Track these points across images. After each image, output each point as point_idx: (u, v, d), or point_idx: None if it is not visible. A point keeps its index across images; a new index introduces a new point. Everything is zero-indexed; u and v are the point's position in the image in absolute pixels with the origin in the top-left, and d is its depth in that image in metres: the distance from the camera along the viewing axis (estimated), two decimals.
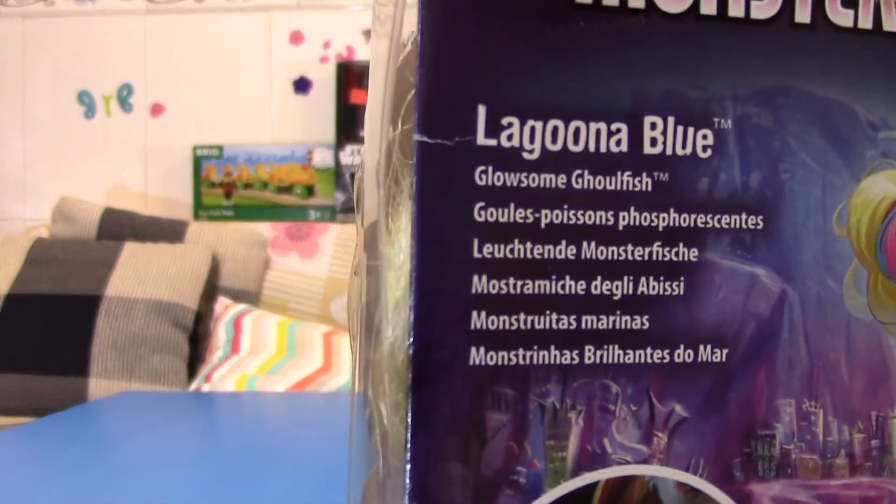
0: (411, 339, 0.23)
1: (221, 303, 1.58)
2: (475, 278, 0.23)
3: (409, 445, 0.23)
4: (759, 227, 0.25)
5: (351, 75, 1.96)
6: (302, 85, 2.01)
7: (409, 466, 0.23)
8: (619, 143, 0.24)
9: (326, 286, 1.66)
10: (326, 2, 2.00)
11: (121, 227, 1.72)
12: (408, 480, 0.23)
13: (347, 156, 1.96)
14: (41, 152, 2.05)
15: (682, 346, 0.24)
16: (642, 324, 0.24)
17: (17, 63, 2.05)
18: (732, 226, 0.25)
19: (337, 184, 1.98)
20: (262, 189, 1.99)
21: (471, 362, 0.23)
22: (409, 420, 0.23)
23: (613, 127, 0.24)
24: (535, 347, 0.23)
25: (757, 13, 0.25)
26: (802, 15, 0.25)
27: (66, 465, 0.58)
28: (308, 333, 1.48)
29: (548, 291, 0.23)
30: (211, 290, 1.62)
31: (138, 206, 1.96)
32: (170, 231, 1.72)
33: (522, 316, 0.23)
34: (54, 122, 2.04)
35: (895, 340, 0.26)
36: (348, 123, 1.95)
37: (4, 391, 1.47)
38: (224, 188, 2.00)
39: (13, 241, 1.69)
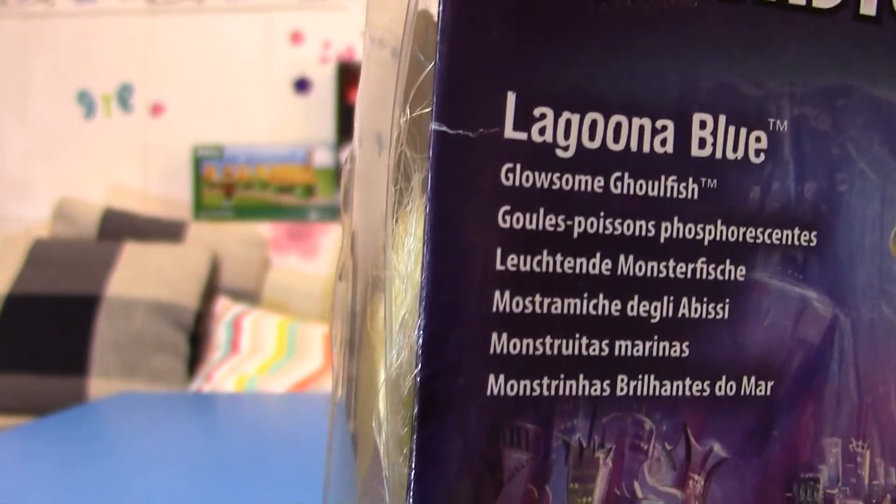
0: (420, 365, 0.17)
1: (221, 303, 1.50)
2: (497, 294, 0.18)
3: (412, 488, 0.17)
4: (813, 244, 0.20)
5: (351, 75, 1.88)
6: (302, 85, 1.94)
7: None
8: (664, 142, 0.19)
9: (327, 286, 1.58)
10: (326, 2, 1.93)
11: (121, 227, 1.63)
12: None
13: None
14: (41, 152, 1.94)
15: (723, 378, 0.19)
16: (682, 351, 0.19)
17: (17, 63, 1.95)
18: (784, 242, 0.20)
19: (337, 184, 1.90)
20: (262, 189, 1.91)
21: (488, 392, 0.18)
22: (414, 458, 0.17)
23: (659, 124, 0.19)
24: (562, 376, 0.18)
25: (819, 2, 0.20)
26: (868, 6, 0.20)
27: (66, 465, 0.54)
28: (308, 333, 1.40)
29: (578, 311, 0.18)
30: (211, 291, 1.53)
31: (138, 206, 1.86)
32: (170, 231, 1.63)
33: (549, 339, 0.18)
34: (54, 122, 1.94)
35: None
36: (348, 123, 1.87)
37: (4, 391, 1.38)
38: (224, 188, 1.91)
39: (13, 241, 1.60)
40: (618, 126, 0.18)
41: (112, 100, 1.94)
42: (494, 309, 0.18)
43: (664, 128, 0.19)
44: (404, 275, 0.18)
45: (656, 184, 0.19)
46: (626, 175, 0.18)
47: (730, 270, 0.19)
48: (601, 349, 0.18)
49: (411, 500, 0.17)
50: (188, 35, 1.93)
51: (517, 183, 0.18)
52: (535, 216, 0.18)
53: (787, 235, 0.20)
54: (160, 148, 1.94)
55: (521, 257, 0.18)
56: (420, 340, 0.17)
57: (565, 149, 0.18)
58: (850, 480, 0.21)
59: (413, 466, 0.17)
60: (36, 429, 0.71)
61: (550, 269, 0.18)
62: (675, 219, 0.19)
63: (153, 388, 1.37)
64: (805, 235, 0.20)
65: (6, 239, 1.64)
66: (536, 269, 0.18)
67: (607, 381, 0.18)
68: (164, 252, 1.54)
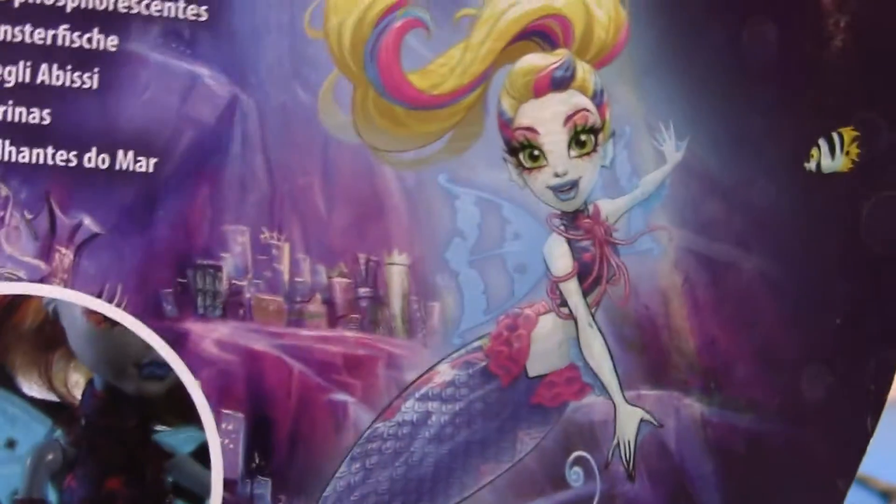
0: None
1: None
2: None
3: None
4: (202, 18, 0.19)
5: None
6: None
7: None
8: None
9: None
10: None
11: None
12: None
13: None
14: None
15: (94, 150, 0.18)
16: (42, 118, 0.18)
17: None
18: (165, 14, 0.19)
19: None
20: None
21: None
22: None
23: None
24: None
25: None
26: None
27: None
28: None
29: None
30: None
31: None
32: None
33: None
34: None
35: (392, 171, 0.20)
36: None
37: None
38: None
39: None
40: None
41: None
42: None
43: None
44: None
45: None
46: None
47: (98, 39, 0.18)
48: None
49: None
50: None
51: None
52: None
53: (170, 8, 0.19)
54: None
55: None
56: None
57: None
58: (265, 274, 0.19)
59: None
60: None
61: None
62: None
63: None
64: (192, 9, 0.19)
65: None
66: None
67: None
68: None
